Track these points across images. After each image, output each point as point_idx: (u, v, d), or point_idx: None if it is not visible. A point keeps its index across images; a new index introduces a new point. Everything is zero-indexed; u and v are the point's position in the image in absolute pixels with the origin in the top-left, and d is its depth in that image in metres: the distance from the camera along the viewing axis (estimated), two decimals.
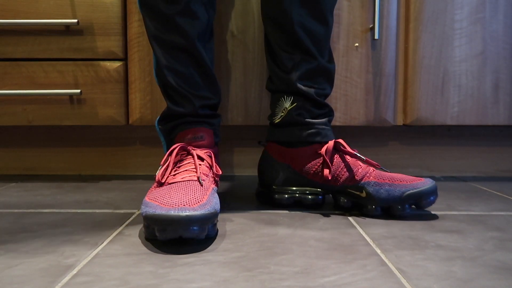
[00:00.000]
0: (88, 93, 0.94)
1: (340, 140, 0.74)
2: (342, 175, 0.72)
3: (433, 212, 0.73)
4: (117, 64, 0.94)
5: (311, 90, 0.76)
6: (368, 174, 0.71)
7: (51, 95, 0.94)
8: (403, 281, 0.45)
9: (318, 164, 0.74)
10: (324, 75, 0.77)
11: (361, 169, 0.72)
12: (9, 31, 0.93)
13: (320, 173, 0.73)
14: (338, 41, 0.95)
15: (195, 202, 0.56)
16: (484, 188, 0.92)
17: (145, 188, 0.91)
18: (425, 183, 0.69)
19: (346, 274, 0.47)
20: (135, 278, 0.46)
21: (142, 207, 0.57)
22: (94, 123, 0.95)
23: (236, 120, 0.97)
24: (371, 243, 0.57)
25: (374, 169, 0.72)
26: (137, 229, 0.63)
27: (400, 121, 0.99)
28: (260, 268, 0.48)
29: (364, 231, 0.62)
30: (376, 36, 0.93)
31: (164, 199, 0.56)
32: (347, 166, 0.72)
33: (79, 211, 0.73)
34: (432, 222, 0.67)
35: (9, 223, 0.66)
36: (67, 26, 0.92)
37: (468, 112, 0.97)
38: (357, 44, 0.95)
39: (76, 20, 0.91)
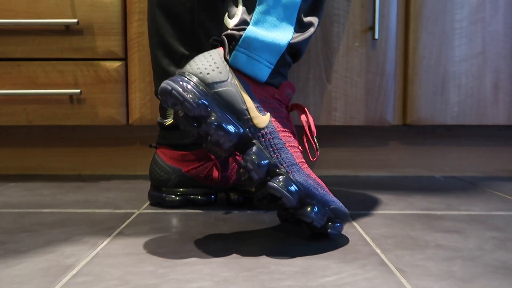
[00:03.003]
0: (88, 93, 0.94)
1: None
2: (233, 175, 0.73)
3: (433, 212, 0.73)
4: (117, 64, 0.94)
5: None
6: None
7: (51, 95, 0.93)
8: (403, 281, 0.45)
9: (209, 167, 0.74)
10: None
11: None
12: (9, 31, 0.93)
13: (210, 176, 0.74)
14: (338, 41, 0.95)
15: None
16: (484, 188, 0.92)
17: (145, 188, 0.90)
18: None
19: (346, 274, 0.47)
20: (135, 278, 0.46)
21: (331, 200, 0.56)
22: (94, 123, 0.95)
23: None
24: (371, 243, 0.57)
25: None
26: (137, 229, 0.63)
27: (400, 121, 0.99)
28: (260, 268, 0.48)
29: (364, 231, 0.62)
30: (376, 36, 0.93)
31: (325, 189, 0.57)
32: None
33: (79, 211, 0.73)
34: (432, 222, 0.67)
35: (9, 223, 0.66)
36: (67, 26, 0.92)
37: (468, 112, 0.97)
38: (357, 44, 0.95)
39: (76, 20, 0.91)
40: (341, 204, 0.57)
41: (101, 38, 0.93)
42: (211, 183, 0.74)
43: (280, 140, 0.55)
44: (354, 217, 0.70)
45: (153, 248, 0.55)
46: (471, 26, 0.95)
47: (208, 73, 0.54)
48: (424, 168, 1.08)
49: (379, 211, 0.73)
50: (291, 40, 0.58)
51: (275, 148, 0.54)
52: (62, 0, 0.92)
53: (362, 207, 0.76)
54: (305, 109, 0.60)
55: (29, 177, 1.03)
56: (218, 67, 0.55)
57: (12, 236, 0.59)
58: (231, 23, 0.58)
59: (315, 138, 0.59)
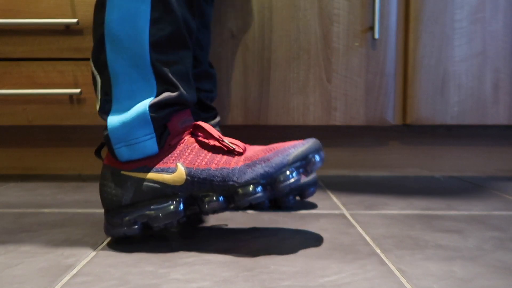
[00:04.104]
0: (88, 93, 0.94)
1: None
2: None
3: (433, 212, 0.73)
4: None
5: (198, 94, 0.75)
6: None
7: (51, 95, 0.93)
8: (403, 281, 0.45)
9: None
10: (209, 78, 0.79)
11: None
12: (9, 31, 0.93)
13: None
14: (338, 41, 0.95)
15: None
16: (484, 188, 0.92)
17: None
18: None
19: (346, 274, 0.47)
20: (135, 278, 0.46)
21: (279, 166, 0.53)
22: (94, 123, 0.95)
23: (236, 120, 0.97)
24: (371, 243, 0.57)
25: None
26: None
27: (400, 121, 0.99)
28: (260, 268, 0.48)
29: (364, 231, 0.62)
30: (376, 36, 0.93)
31: (275, 147, 0.56)
32: None
33: (79, 211, 0.73)
34: (432, 222, 0.67)
35: (9, 223, 0.66)
36: (67, 26, 0.92)
37: (468, 112, 0.97)
38: (357, 44, 0.95)
39: (76, 20, 0.91)
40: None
41: None
42: None
43: (203, 171, 0.54)
44: (354, 217, 0.70)
45: (153, 248, 0.55)
46: (471, 26, 0.95)
47: (115, 197, 0.56)
48: (424, 168, 1.08)
49: (379, 211, 0.73)
50: (152, 101, 0.54)
51: (209, 180, 0.54)
52: (62, 0, 0.92)
53: (362, 207, 0.76)
54: (197, 123, 0.58)
55: (29, 177, 1.03)
56: (115, 185, 0.56)
57: (12, 236, 0.59)
58: (96, 106, 0.58)
59: (225, 141, 0.56)
